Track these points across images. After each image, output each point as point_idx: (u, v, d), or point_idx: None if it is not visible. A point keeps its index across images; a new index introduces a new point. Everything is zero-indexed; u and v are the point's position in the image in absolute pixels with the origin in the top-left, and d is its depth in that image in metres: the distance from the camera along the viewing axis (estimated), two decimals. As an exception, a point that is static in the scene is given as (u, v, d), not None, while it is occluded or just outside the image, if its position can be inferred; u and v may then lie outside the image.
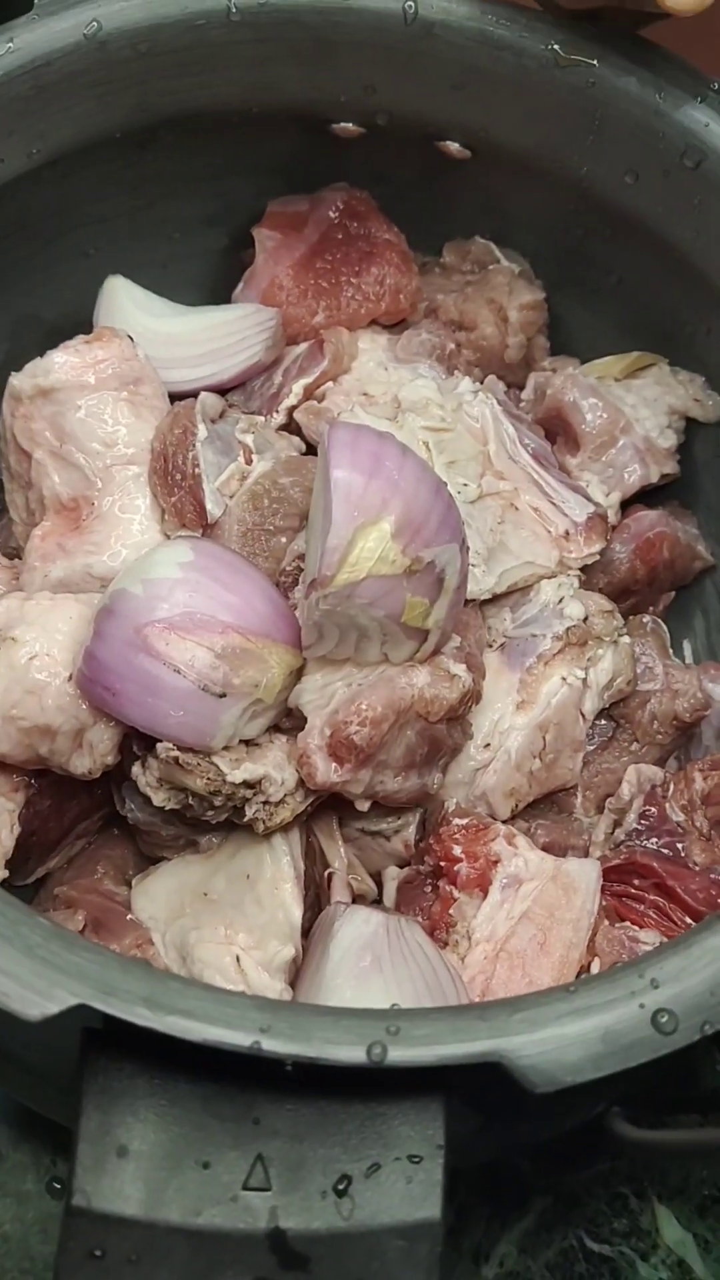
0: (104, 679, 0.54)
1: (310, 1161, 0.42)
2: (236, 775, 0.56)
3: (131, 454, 0.63)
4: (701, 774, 0.63)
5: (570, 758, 0.64)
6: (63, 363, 0.63)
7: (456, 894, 0.58)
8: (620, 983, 0.45)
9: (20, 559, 0.64)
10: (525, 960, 0.56)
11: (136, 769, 0.57)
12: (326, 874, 0.61)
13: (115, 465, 0.63)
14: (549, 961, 0.57)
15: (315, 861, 0.61)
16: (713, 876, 0.61)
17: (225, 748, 0.56)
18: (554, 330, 0.76)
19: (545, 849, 0.60)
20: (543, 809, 0.65)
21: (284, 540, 0.61)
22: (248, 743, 0.57)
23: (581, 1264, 0.64)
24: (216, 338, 0.69)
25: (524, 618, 0.64)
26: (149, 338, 0.67)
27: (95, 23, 0.64)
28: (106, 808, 0.63)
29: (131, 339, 0.64)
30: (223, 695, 0.55)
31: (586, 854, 0.63)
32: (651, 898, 0.60)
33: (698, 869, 0.61)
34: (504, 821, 0.62)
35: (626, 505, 0.71)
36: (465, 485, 0.64)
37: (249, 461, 0.63)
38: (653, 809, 0.63)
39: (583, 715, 0.64)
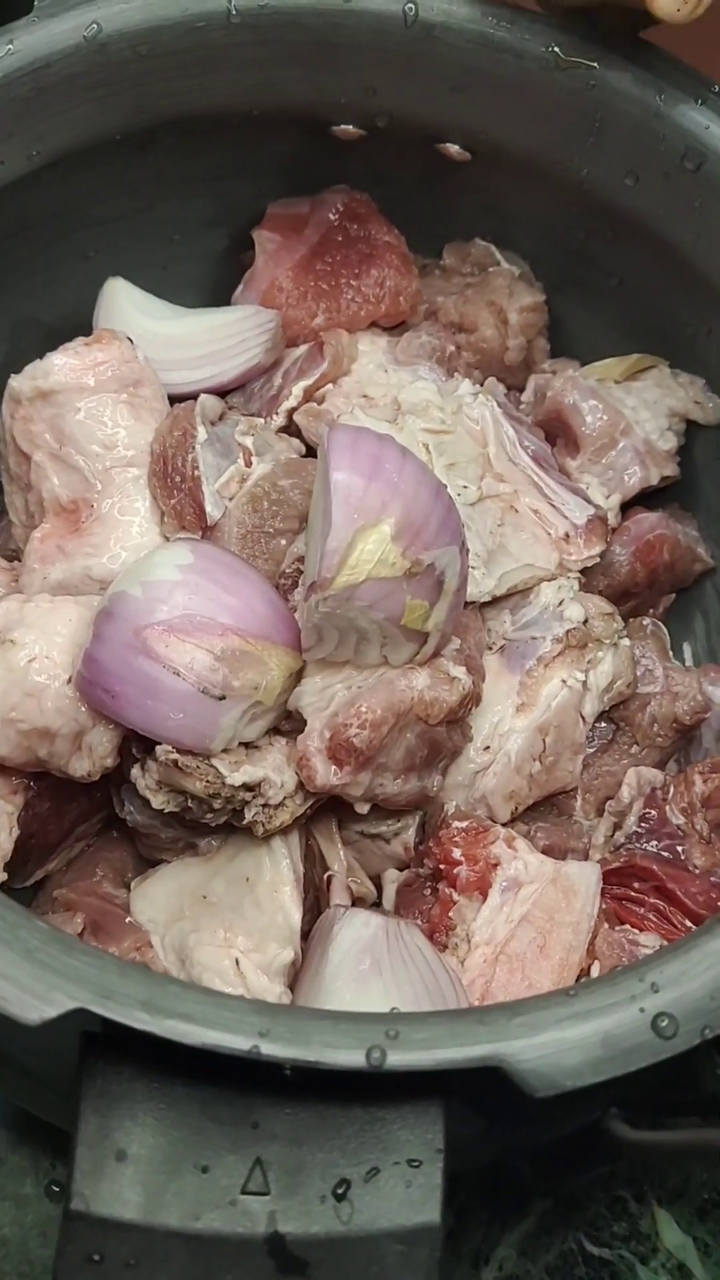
0: (103, 681, 0.54)
1: (309, 1166, 0.42)
2: (236, 778, 0.56)
3: (131, 456, 0.63)
4: (701, 777, 0.63)
5: (570, 760, 0.64)
6: (62, 365, 0.62)
7: (456, 897, 0.58)
8: (620, 986, 0.45)
9: (19, 561, 0.64)
10: (525, 963, 0.56)
11: (136, 771, 0.57)
12: (326, 877, 0.61)
13: (115, 467, 0.62)
14: (549, 965, 0.57)
15: (315, 864, 0.61)
16: (713, 879, 0.61)
17: (224, 750, 0.56)
18: (554, 332, 0.76)
19: (545, 852, 0.60)
20: (542, 812, 0.65)
21: (283, 542, 0.61)
22: (247, 745, 0.57)
23: (581, 1267, 0.63)
24: (216, 340, 0.69)
25: (524, 620, 0.64)
26: (149, 340, 0.67)
27: (95, 25, 0.64)
28: (105, 810, 0.62)
29: (131, 341, 0.64)
30: (222, 698, 0.55)
31: (586, 857, 0.63)
32: (651, 901, 0.60)
33: (698, 872, 0.61)
34: (504, 824, 0.62)
35: (626, 507, 0.71)
36: (465, 487, 0.64)
37: (248, 464, 0.63)
38: (653, 812, 0.63)
39: (582, 718, 0.64)
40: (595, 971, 0.57)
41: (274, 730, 0.59)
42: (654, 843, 0.63)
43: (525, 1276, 0.63)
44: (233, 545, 0.61)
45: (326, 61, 0.68)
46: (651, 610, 0.72)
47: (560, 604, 0.64)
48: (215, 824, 0.58)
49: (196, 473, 0.62)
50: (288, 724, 0.59)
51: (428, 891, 0.60)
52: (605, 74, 0.65)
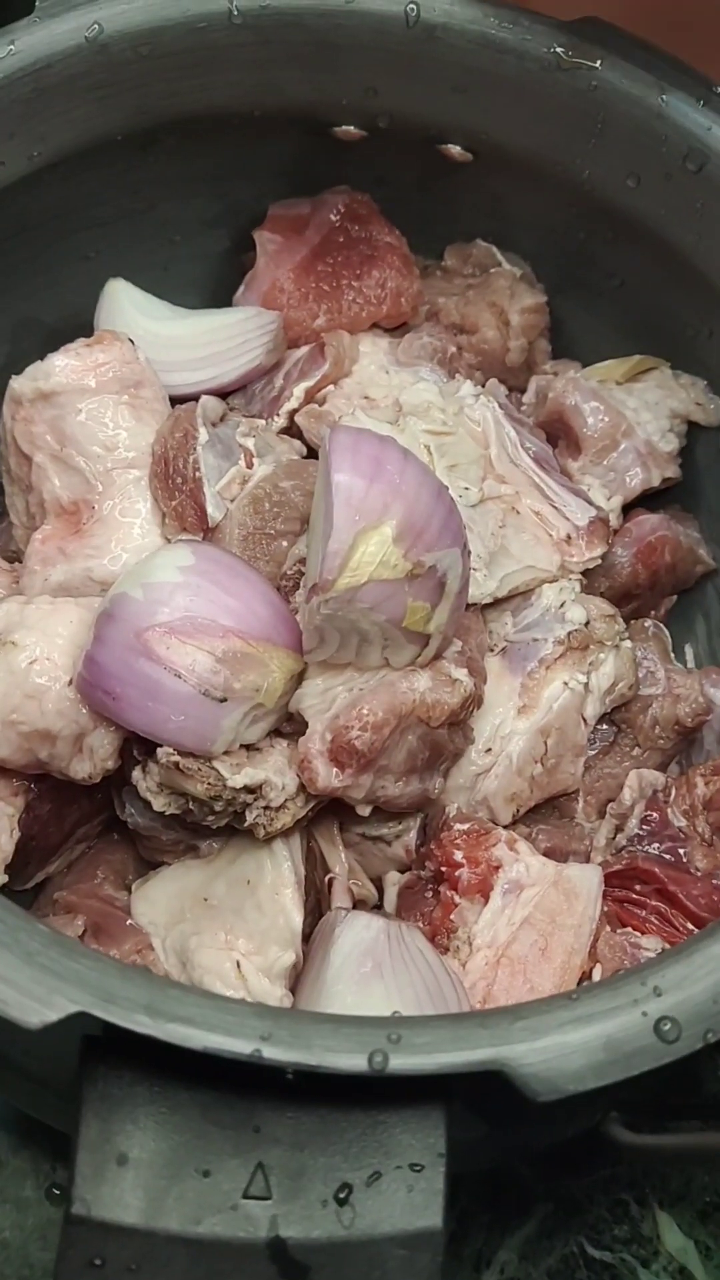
0: (104, 683, 0.54)
1: (311, 1170, 0.42)
2: (237, 780, 0.56)
3: (132, 458, 0.63)
4: (703, 779, 0.63)
5: (572, 762, 0.64)
6: (63, 366, 0.62)
7: (458, 899, 0.58)
8: (623, 990, 0.45)
9: (20, 562, 0.64)
10: (527, 966, 0.56)
11: (137, 774, 0.57)
12: (327, 879, 0.61)
13: (116, 469, 0.62)
14: (550, 967, 0.56)
15: (316, 867, 0.60)
16: (715, 882, 0.61)
17: (226, 752, 0.56)
18: (555, 333, 0.76)
19: (546, 854, 0.60)
20: (544, 814, 0.65)
21: (285, 544, 0.61)
22: (248, 747, 0.57)
23: (583, 1271, 0.63)
24: (217, 341, 0.69)
25: (525, 622, 0.64)
26: (150, 341, 0.66)
27: (96, 25, 0.64)
28: (106, 812, 0.62)
29: (132, 342, 0.64)
30: (223, 700, 0.54)
31: (588, 859, 0.63)
32: (653, 903, 0.60)
33: (699, 874, 0.61)
34: (505, 826, 0.62)
35: (628, 509, 0.71)
36: (466, 489, 0.64)
37: (250, 465, 0.63)
38: (654, 814, 0.63)
39: (584, 720, 0.64)
40: (597, 974, 0.57)
41: (275, 732, 0.58)
42: (656, 845, 0.63)
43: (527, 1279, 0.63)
44: (234, 547, 0.61)
45: (328, 62, 0.68)
46: (653, 612, 0.72)
47: (562, 606, 0.64)
48: (216, 826, 0.58)
49: (198, 474, 0.62)
50: (289, 726, 0.58)
51: (429, 894, 0.60)
52: (607, 75, 0.65)
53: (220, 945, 0.57)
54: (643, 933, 0.59)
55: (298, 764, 0.57)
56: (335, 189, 0.74)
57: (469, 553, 0.58)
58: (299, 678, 0.58)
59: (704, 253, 0.67)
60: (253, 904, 0.58)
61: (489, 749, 0.62)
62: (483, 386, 0.70)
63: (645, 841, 0.63)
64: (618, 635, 0.65)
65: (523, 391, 0.74)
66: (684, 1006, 0.44)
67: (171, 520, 0.62)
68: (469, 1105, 0.44)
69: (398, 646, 0.57)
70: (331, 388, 0.69)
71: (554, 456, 0.70)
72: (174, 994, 0.43)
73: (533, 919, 0.57)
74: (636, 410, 0.71)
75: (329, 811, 0.60)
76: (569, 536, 0.66)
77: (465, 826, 0.60)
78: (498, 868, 0.58)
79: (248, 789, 0.56)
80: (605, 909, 0.59)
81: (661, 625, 0.71)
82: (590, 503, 0.68)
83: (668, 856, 0.62)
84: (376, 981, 0.53)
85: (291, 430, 0.68)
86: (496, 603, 0.64)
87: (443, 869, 0.59)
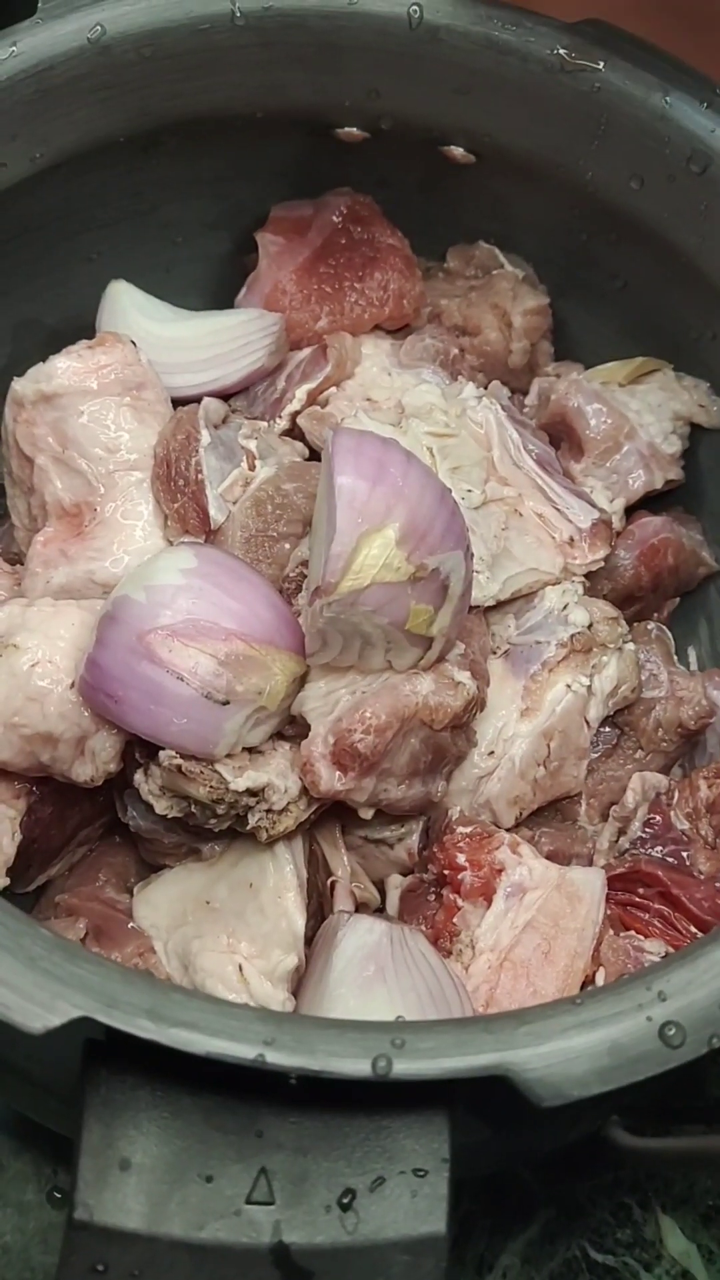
0: (106, 686, 0.54)
1: (314, 1175, 0.42)
2: (239, 783, 0.55)
3: (134, 460, 0.62)
4: (706, 781, 0.63)
5: (575, 765, 0.64)
6: (65, 368, 0.62)
7: (460, 903, 0.58)
8: (627, 995, 0.44)
9: (22, 565, 0.64)
10: (530, 970, 0.56)
11: (139, 776, 0.57)
12: (330, 882, 0.61)
13: (118, 471, 0.62)
14: (554, 971, 0.56)
15: (318, 870, 0.60)
16: (718, 885, 0.61)
17: (228, 755, 0.56)
18: (558, 335, 0.76)
19: (549, 857, 0.60)
20: (547, 817, 0.64)
21: (287, 546, 0.61)
22: (251, 750, 0.57)
23: (585, 1274, 0.63)
24: (220, 343, 0.69)
25: (528, 624, 0.64)
26: (152, 343, 0.66)
27: (99, 26, 0.64)
28: (108, 815, 0.62)
29: (134, 344, 0.64)
30: (226, 702, 0.54)
31: (591, 862, 0.63)
32: (656, 906, 0.60)
33: (703, 877, 0.61)
34: (508, 829, 0.61)
35: (631, 511, 0.71)
36: (469, 491, 0.64)
37: (252, 467, 0.63)
38: (657, 817, 0.63)
39: (587, 722, 0.63)
40: (600, 978, 0.57)
41: (278, 735, 0.58)
42: (659, 848, 0.62)
43: (529, 1284, 0.63)
44: (236, 549, 0.61)
45: (330, 64, 0.68)
46: (656, 614, 0.72)
47: (565, 608, 0.64)
48: (218, 829, 0.58)
49: (200, 476, 0.61)
50: (291, 729, 0.58)
51: (432, 897, 0.60)
52: (610, 77, 0.65)
53: (222, 948, 0.57)
54: (646, 936, 0.59)
55: (300, 767, 0.56)
56: (337, 190, 0.74)
57: (472, 555, 0.58)
58: (301, 680, 0.58)
59: (707, 255, 0.67)
60: (255, 907, 0.58)
61: (492, 752, 0.62)
62: (485, 388, 0.70)
63: (648, 844, 0.63)
64: (620, 638, 0.65)
65: (525, 393, 0.74)
66: (689, 1011, 0.44)
67: (174, 522, 0.62)
68: (473, 1110, 0.44)
69: (400, 649, 0.57)
70: (334, 390, 0.69)
71: (556, 459, 0.70)
72: (177, 998, 0.43)
73: (536, 922, 0.57)
74: (639, 412, 0.71)
75: (331, 814, 0.60)
76: (572, 539, 0.66)
77: (468, 829, 0.60)
78: (500, 871, 0.58)
79: (250, 792, 0.56)
80: (608, 912, 0.59)
81: (664, 628, 0.71)
82: (593, 505, 0.68)
83: (671, 859, 0.62)
84: (379, 985, 0.53)
85: (294, 432, 0.68)
86: (499, 605, 0.64)
87: (445, 872, 0.59)
